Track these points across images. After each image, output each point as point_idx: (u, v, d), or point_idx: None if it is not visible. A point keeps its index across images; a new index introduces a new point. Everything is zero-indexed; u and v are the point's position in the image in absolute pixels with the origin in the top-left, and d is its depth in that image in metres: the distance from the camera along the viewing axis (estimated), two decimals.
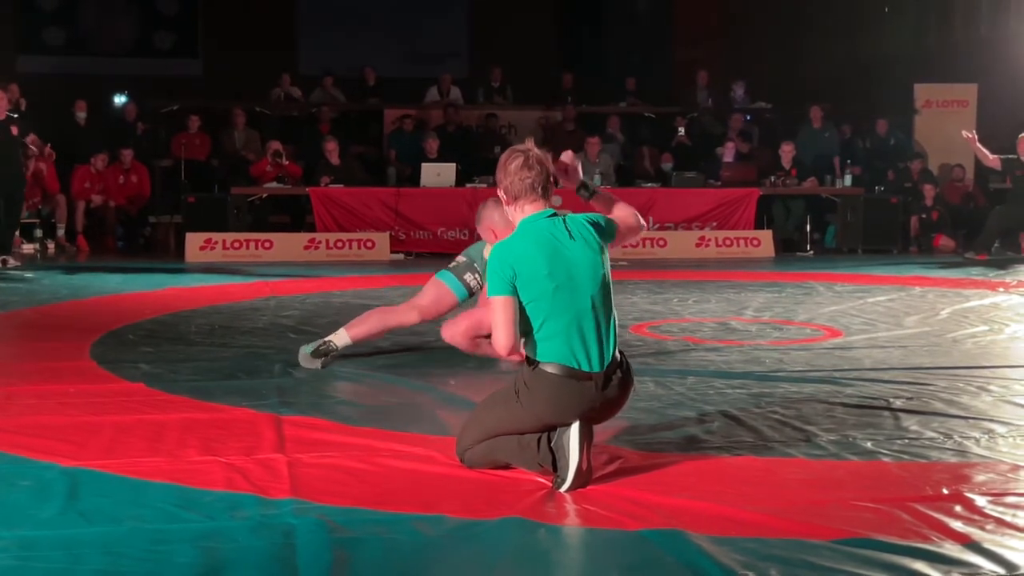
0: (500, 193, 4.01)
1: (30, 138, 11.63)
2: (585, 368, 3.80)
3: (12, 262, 11.33)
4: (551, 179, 3.97)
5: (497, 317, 3.84)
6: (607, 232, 3.98)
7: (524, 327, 3.86)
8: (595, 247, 3.89)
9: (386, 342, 6.80)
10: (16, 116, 11.44)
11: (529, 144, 4.00)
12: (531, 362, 3.86)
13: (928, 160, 15.74)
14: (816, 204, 14.70)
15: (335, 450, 4.18)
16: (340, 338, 6.03)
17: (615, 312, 3.93)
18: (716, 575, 2.96)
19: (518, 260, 3.81)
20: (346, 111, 16.62)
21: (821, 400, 5.13)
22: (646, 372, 5.73)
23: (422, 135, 15.28)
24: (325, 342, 6.00)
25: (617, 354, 3.90)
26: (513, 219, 4.00)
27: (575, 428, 3.72)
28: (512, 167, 3.93)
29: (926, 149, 15.75)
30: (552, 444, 3.76)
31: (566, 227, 3.89)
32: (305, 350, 5.99)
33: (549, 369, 3.80)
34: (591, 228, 3.92)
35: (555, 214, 3.93)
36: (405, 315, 6.10)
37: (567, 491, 3.67)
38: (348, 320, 7.49)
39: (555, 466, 3.74)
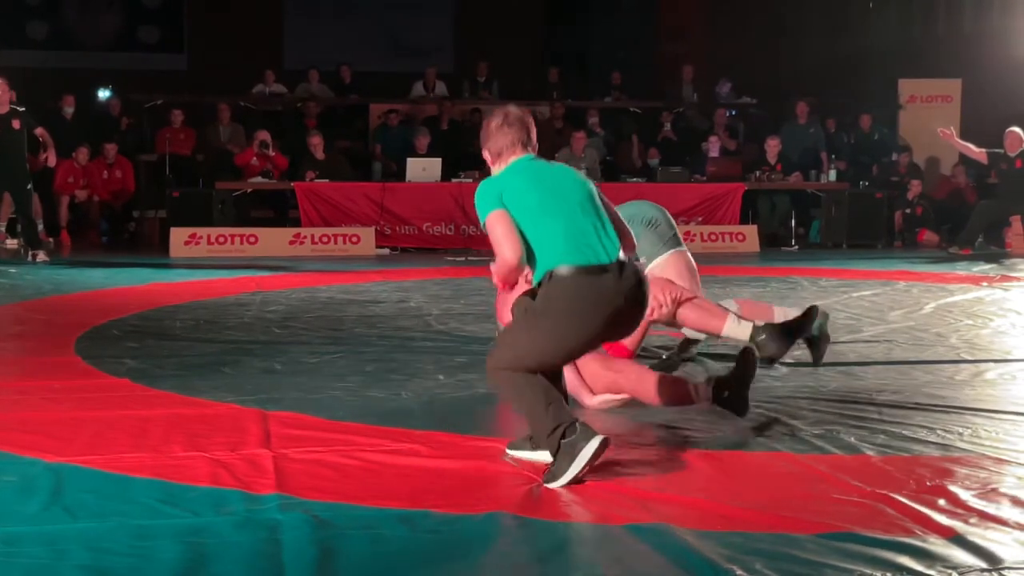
0: (486, 155, 4.10)
1: (39, 131, 11.53)
2: (595, 262, 3.82)
3: (42, 256, 11.30)
4: (531, 135, 4.06)
5: (497, 232, 3.84)
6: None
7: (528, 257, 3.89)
8: (579, 175, 4.05)
9: (373, 335, 6.80)
10: (22, 110, 11.33)
11: (509, 107, 4.13)
12: (543, 280, 3.86)
13: (912, 155, 15.79)
14: (801, 199, 14.74)
15: (321, 445, 4.17)
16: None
17: (610, 224, 3.97)
18: (701, 569, 2.96)
19: (503, 185, 3.91)
20: (331, 106, 16.59)
21: (805, 395, 5.14)
22: None
23: (408, 130, 15.25)
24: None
25: (622, 256, 3.90)
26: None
27: (595, 441, 3.68)
28: (492, 127, 4.05)
29: (910, 144, 15.80)
30: (564, 439, 3.72)
31: (548, 164, 4.07)
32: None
33: (563, 272, 3.79)
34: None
35: (536, 159, 4.05)
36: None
37: (551, 488, 3.66)
38: (334, 316, 7.49)
39: (555, 459, 3.72)
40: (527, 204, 3.86)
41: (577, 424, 3.75)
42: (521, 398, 3.86)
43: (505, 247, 3.81)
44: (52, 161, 11.94)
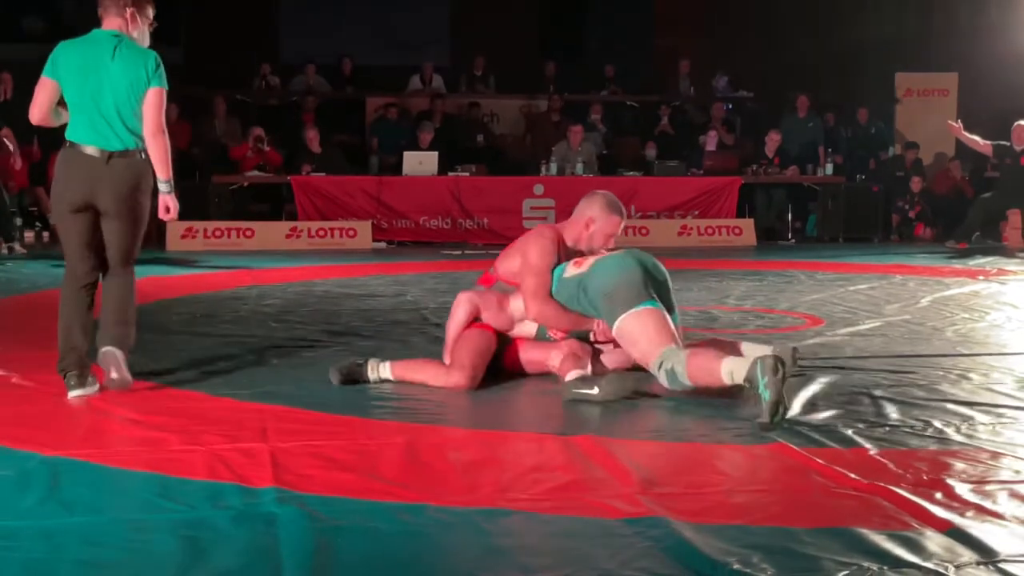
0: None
1: (4, 132, 11.53)
2: (102, 146, 4.77)
3: (19, 249, 11.32)
4: None
5: (37, 93, 4.80)
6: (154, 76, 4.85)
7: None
8: (140, 70, 4.80)
9: (370, 329, 6.80)
10: None
11: None
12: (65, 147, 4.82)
13: (918, 151, 15.79)
14: (798, 193, 14.75)
15: (317, 439, 4.17)
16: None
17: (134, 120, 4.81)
18: (698, 562, 2.96)
19: (60, 55, 4.79)
20: (328, 99, 16.56)
21: (802, 388, 5.13)
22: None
23: (405, 123, 15.22)
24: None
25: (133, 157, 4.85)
26: None
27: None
28: None
29: (907, 138, 15.80)
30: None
31: (116, 50, 4.78)
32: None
33: (69, 144, 4.78)
34: (146, 59, 4.84)
35: (119, 35, 4.84)
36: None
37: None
38: (330, 309, 7.46)
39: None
40: (69, 89, 4.78)
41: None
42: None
43: (34, 110, 4.84)
44: (18, 164, 11.98)
